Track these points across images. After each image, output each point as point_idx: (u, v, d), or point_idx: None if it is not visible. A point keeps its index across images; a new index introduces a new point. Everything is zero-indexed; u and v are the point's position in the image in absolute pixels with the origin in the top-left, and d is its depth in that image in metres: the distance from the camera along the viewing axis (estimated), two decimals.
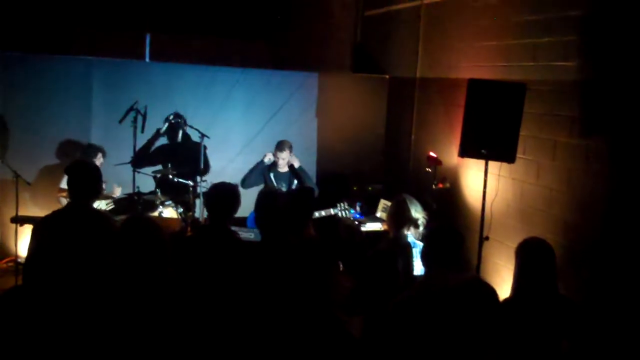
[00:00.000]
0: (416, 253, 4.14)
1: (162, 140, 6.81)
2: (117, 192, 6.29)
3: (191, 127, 6.41)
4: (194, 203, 6.25)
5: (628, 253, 4.19)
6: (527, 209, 5.20)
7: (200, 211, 6.37)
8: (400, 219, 4.34)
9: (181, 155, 6.64)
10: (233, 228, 4.02)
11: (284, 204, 4.21)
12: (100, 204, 5.92)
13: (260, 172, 6.25)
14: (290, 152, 6.17)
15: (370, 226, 6.32)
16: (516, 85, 4.89)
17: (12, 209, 5.76)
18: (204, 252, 3.67)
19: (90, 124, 6.64)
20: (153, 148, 6.81)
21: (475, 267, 5.09)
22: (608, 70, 4.41)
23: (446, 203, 5.90)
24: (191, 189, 6.15)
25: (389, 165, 7.67)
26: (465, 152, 5.05)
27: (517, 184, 5.32)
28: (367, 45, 8.34)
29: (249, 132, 7.18)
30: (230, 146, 7.09)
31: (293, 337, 2.67)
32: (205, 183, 5.98)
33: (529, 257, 3.26)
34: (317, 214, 5.55)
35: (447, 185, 5.99)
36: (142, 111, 6.02)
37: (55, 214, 3.75)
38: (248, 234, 4.63)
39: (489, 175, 5.09)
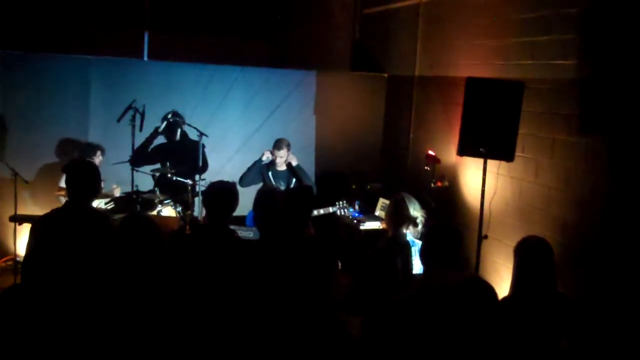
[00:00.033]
0: (415, 252, 4.15)
1: (161, 139, 6.79)
2: (116, 191, 6.28)
3: (189, 125, 6.41)
4: (193, 202, 6.25)
5: (627, 251, 4.19)
6: (526, 208, 5.20)
7: (199, 210, 6.36)
8: (399, 217, 4.34)
9: (180, 154, 6.62)
10: (232, 227, 4.01)
11: (282, 202, 4.20)
12: (99, 203, 5.91)
13: (259, 170, 6.24)
14: (289, 150, 6.15)
15: (369, 225, 6.31)
16: (515, 84, 4.89)
17: (10, 208, 5.75)
18: (203, 250, 3.65)
19: (88, 122, 6.63)
20: (151, 147, 6.79)
21: (474, 266, 5.09)
22: (607, 68, 4.41)
23: (445, 202, 5.90)
24: (190, 187, 6.15)
25: (388, 164, 7.67)
26: (463, 151, 5.05)
27: (515, 182, 5.32)
28: (366, 43, 8.32)
29: (248, 131, 7.16)
30: (228, 144, 7.07)
31: (293, 337, 2.66)
32: (204, 182, 5.97)
33: (527, 255, 3.27)
34: (315, 212, 5.55)
35: (446, 183, 6.00)
36: (141, 110, 6.03)
37: (53, 212, 3.74)
38: (247, 233, 4.63)
39: (487, 173, 5.08)
